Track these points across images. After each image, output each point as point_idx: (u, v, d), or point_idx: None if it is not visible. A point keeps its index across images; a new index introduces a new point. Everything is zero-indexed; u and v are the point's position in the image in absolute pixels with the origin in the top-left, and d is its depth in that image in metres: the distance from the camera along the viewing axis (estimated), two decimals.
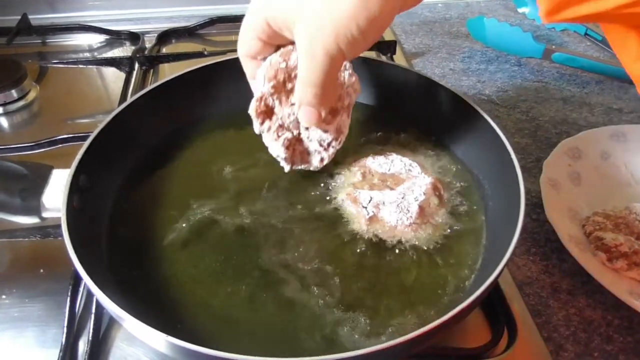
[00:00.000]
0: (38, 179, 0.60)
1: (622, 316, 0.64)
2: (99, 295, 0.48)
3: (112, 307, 0.48)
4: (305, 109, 0.56)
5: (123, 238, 0.63)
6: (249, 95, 0.78)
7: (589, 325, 0.64)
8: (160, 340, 0.47)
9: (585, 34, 1.19)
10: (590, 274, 0.63)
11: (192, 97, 0.80)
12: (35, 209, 0.60)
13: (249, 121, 0.66)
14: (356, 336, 0.54)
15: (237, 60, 0.81)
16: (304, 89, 0.54)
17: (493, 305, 0.63)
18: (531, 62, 1.12)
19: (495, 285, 0.53)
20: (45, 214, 0.60)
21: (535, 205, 0.76)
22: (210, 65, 0.79)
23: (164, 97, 0.76)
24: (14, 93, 0.97)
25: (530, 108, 0.99)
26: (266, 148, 0.68)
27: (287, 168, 0.67)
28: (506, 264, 0.52)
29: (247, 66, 0.62)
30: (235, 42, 1.18)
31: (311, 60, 0.50)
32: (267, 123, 0.65)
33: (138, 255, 0.62)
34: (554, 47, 1.09)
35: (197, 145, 0.77)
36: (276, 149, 0.65)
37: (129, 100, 0.72)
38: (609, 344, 0.62)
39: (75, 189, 0.58)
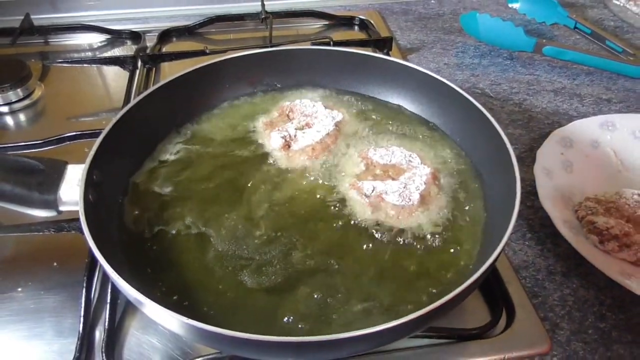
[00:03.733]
0: (54, 173, 0.62)
1: (614, 295, 0.67)
2: (120, 282, 0.51)
3: (132, 293, 0.50)
4: None
5: (135, 229, 0.66)
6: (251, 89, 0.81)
7: (583, 304, 0.67)
8: (178, 323, 0.50)
9: (575, 27, 1.22)
10: (583, 257, 0.67)
11: (197, 93, 0.82)
12: (52, 203, 0.62)
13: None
14: (357, 318, 0.57)
15: (240, 57, 0.84)
16: None
17: (491, 288, 0.66)
18: (523, 55, 1.15)
19: (491, 270, 0.56)
20: (62, 208, 0.63)
21: (530, 192, 0.79)
22: (215, 62, 0.82)
23: (170, 94, 0.78)
24: (20, 92, 0.99)
25: (522, 100, 1.02)
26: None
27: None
28: (502, 250, 0.54)
29: None
30: (234, 40, 1.21)
31: None
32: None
33: (150, 246, 0.64)
34: (544, 40, 1.12)
35: (204, 138, 0.79)
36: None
37: (137, 98, 0.74)
38: (602, 322, 0.65)
39: (90, 183, 0.61)
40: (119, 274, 0.52)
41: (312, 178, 0.72)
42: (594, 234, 0.70)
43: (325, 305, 0.58)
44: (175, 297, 0.59)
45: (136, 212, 0.68)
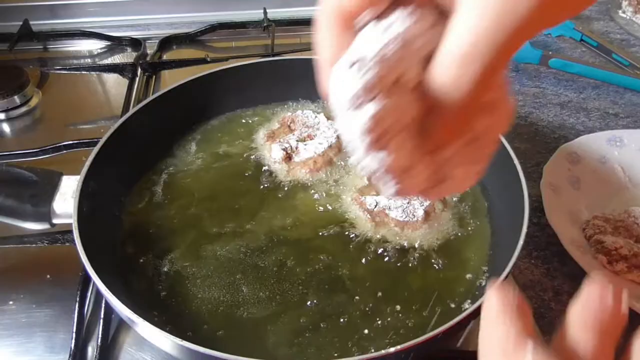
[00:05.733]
0: (48, 185, 0.61)
1: None
2: (113, 301, 0.49)
3: (125, 312, 0.48)
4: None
5: (131, 244, 0.64)
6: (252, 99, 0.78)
7: None
8: (171, 344, 0.48)
9: (581, 39, 1.21)
10: None
11: (197, 103, 0.81)
12: (45, 215, 0.60)
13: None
14: (361, 340, 0.55)
15: (240, 67, 0.83)
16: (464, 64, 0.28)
17: None
18: (529, 67, 1.14)
19: None
20: (55, 220, 0.61)
21: (536, 209, 0.78)
22: (215, 72, 0.80)
23: (169, 104, 0.77)
24: (17, 99, 0.97)
25: (528, 113, 1.01)
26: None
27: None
28: (509, 274, 0.53)
29: (333, 35, 0.32)
30: (236, 48, 1.19)
31: (496, 22, 0.27)
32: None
33: (146, 260, 0.63)
34: (550, 53, 1.10)
35: (204, 149, 0.78)
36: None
37: (135, 107, 0.73)
38: None
39: (85, 195, 0.59)
40: (111, 290, 0.50)
41: (312, 192, 0.71)
42: (602, 254, 0.68)
43: (327, 327, 0.56)
44: (174, 316, 0.57)
45: (131, 233, 0.66)
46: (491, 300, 0.31)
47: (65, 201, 0.60)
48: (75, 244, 0.53)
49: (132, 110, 0.71)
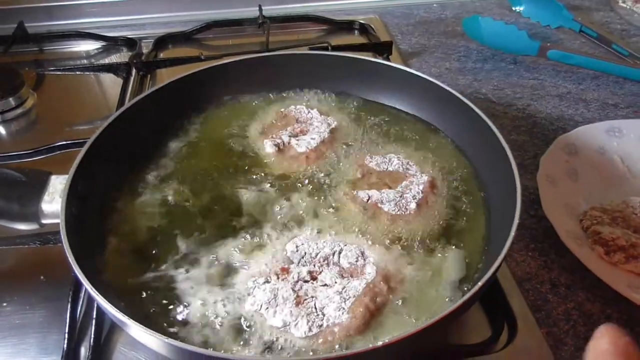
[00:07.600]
0: (36, 185, 0.60)
1: (621, 309, 0.64)
2: (100, 301, 0.49)
3: (114, 313, 0.48)
4: None
5: (122, 243, 0.64)
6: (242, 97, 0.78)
7: (589, 319, 0.64)
8: (160, 343, 0.47)
9: (580, 30, 1.19)
10: (588, 268, 0.64)
11: (188, 101, 0.80)
12: (34, 215, 0.60)
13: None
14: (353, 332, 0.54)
15: (232, 64, 0.82)
16: None
17: (493, 301, 0.63)
18: (527, 59, 1.13)
19: (491, 283, 0.53)
20: (44, 221, 0.61)
21: (533, 201, 0.77)
22: (206, 69, 0.80)
23: (161, 102, 0.76)
24: (12, 101, 0.97)
25: (526, 105, 0.99)
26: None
27: None
28: (502, 262, 0.52)
29: None
30: (232, 46, 1.18)
31: None
32: None
33: (137, 259, 0.62)
34: (549, 44, 1.09)
35: (195, 148, 0.77)
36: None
37: (126, 106, 0.72)
38: None
39: (73, 195, 0.59)
40: (101, 292, 0.50)
41: (305, 187, 0.70)
42: (600, 245, 0.67)
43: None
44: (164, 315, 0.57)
45: (124, 225, 0.65)
46: (601, 340, 0.34)
47: (54, 201, 0.60)
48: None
49: (122, 109, 0.71)
